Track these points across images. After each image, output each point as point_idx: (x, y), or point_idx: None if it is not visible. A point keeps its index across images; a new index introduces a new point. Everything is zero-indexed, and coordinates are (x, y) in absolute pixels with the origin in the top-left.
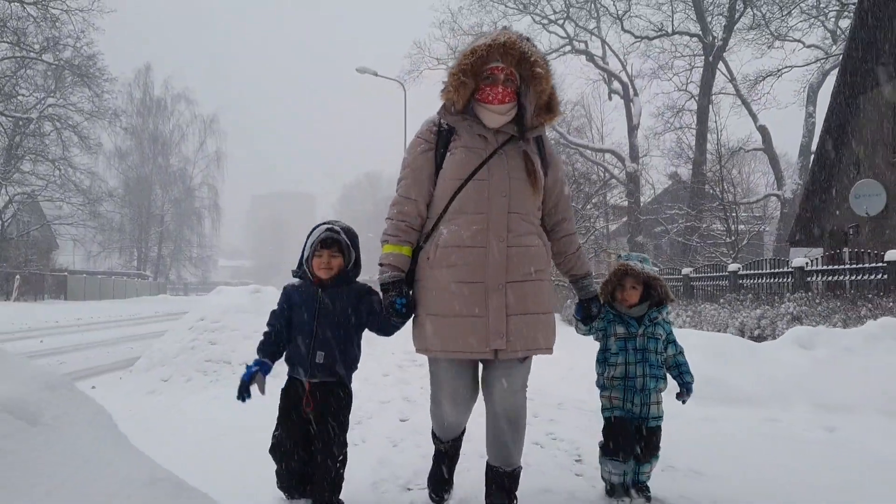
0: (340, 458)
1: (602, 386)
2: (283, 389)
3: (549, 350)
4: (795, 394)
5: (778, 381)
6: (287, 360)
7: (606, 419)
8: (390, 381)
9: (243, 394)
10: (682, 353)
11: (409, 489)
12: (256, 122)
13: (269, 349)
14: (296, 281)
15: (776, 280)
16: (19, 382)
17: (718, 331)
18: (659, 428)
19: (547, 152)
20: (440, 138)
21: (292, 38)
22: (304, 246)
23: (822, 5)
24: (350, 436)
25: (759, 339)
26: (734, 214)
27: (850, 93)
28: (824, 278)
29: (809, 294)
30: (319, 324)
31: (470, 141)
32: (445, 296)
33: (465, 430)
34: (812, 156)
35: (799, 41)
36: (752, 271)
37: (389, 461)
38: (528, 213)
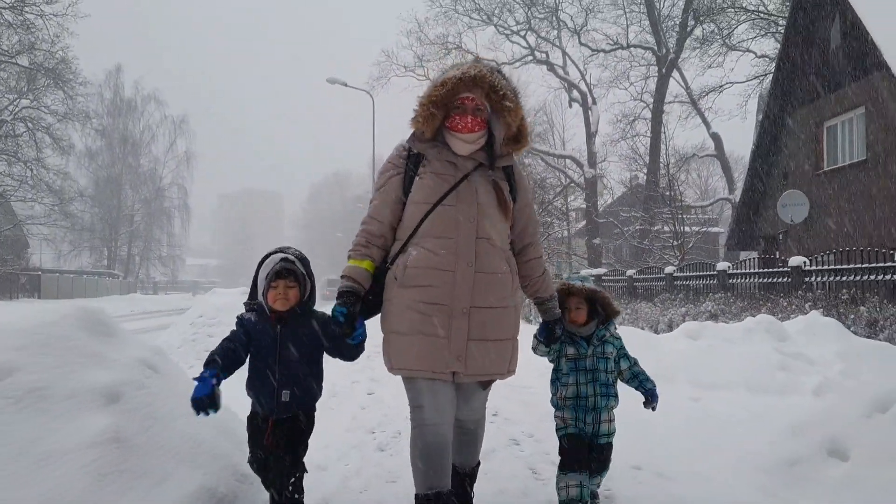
0: (291, 488)
1: (556, 405)
2: (248, 417)
3: (504, 375)
4: (678, 374)
5: (665, 364)
6: (250, 393)
7: (561, 438)
8: (358, 367)
9: (202, 410)
10: (636, 363)
11: (373, 432)
12: (224, 120)
13: (226, 363)
14: (250, 315)
15: (704, 282)
16: (144, 349)
17: (651, 326)
18: (610, 445)
19: (516, 178)
20: (409, 163)
21: (260, 40)
22: (256, 276)
23: (772, 18)
24: (327, 402)
25: None
26: (681, 216)
27: (779, 110)
28: (744, 280)
29: (729, 294)
30: (282, 362)
31: (439, 167)
32: (410, 314)
33: (452, 492)
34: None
35: (750, 51)
36: (684, 273)
37: (359, 417)
38: (497, 239)
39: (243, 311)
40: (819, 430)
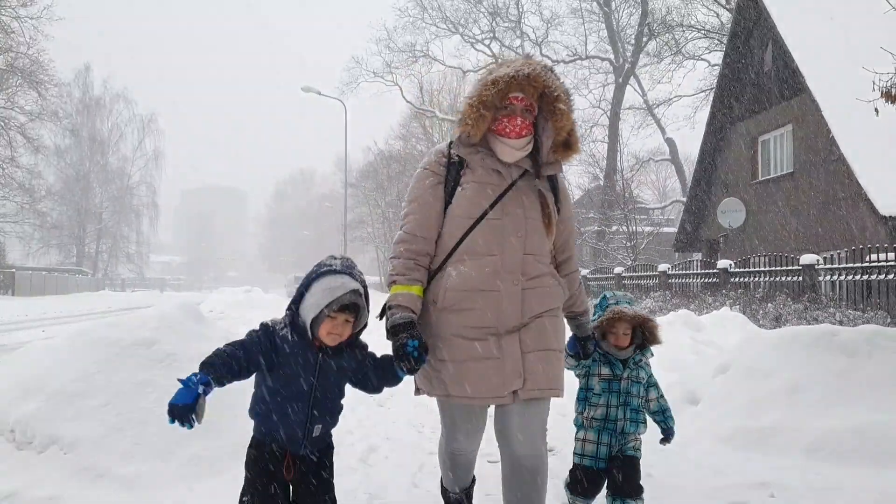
0: None
1: (579, 425)
2: (253, 457)
3: (560, 392)
4: None
5: None
6: (264, 425)
7: (575, 464)
8: None
9: (179, 421)
10: (663, 395)
11: (381, 405)
12: (188, 116)
13: (223, 371)
14: (287, 331)
15: (648, 281)
16: (223, 331)
17: None
18: (637, 458)
19: (560, 188)
20: (450, 171)
21: (228, 37)
22: (306, 291)
23: (720, 35)
24: None
25: None
26: (634, 218)
27: (720, 123)
28: (681, 280)
29: (667, 292)
30: (318, 393)
31: (484, 176)
32: (458, 341)
33: (474, 479)
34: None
35: (704, 59)
36: (631, 273)
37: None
38: (542, 254)
39: (242, 307)
40: (683, 386)
